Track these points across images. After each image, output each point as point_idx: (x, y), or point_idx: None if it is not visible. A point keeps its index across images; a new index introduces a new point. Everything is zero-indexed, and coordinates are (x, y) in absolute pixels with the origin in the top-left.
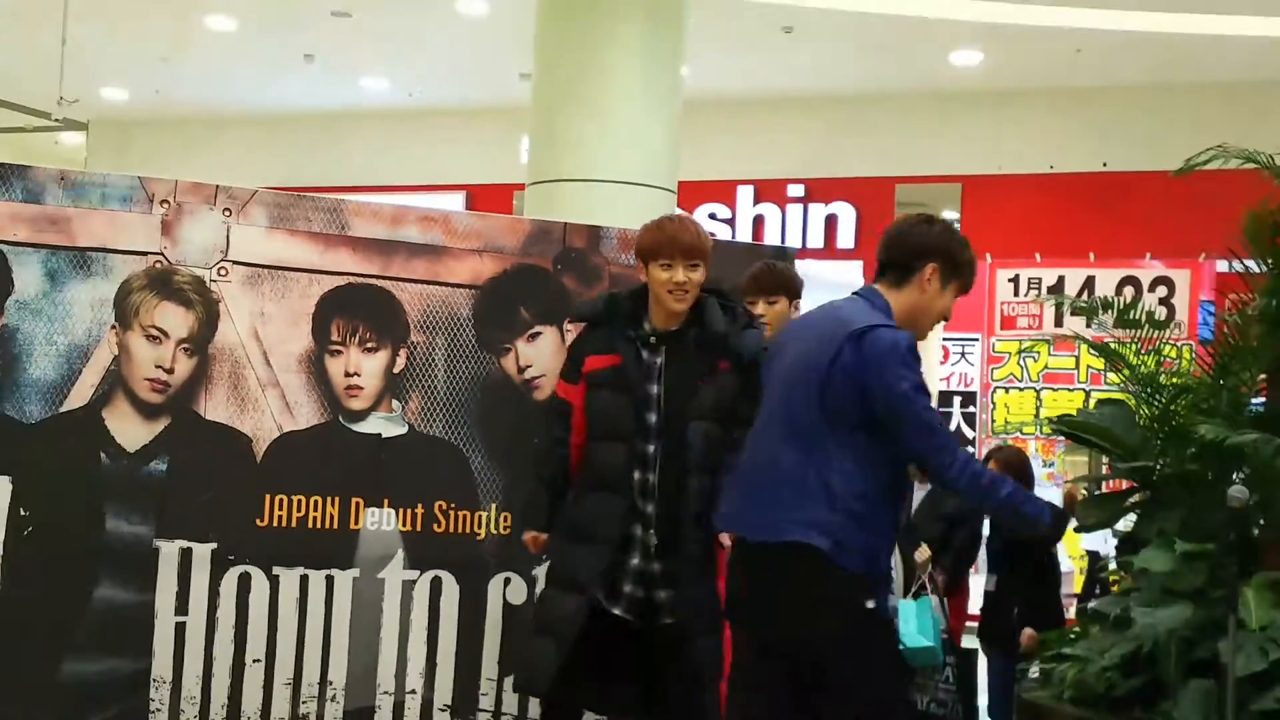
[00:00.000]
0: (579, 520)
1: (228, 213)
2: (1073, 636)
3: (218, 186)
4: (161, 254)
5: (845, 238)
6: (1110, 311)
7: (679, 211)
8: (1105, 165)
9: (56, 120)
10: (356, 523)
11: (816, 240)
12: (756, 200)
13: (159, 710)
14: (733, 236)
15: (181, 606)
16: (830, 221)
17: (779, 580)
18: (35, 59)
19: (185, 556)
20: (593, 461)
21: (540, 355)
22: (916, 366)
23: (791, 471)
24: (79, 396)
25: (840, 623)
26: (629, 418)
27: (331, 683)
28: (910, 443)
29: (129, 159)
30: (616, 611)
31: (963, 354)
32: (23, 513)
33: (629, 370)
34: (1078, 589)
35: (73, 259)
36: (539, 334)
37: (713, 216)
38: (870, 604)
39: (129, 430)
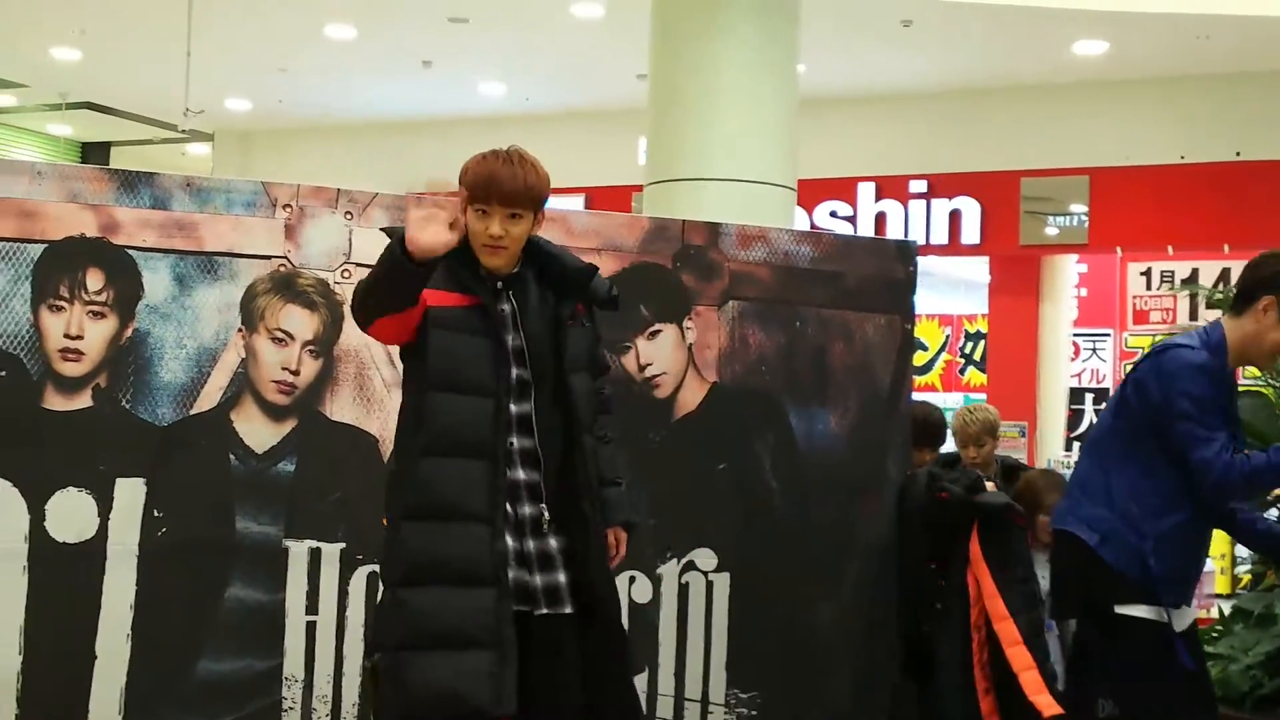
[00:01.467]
0: (438, 492)
1: (349, 216)
2: (1216, 634)
3: (339, 190)
4: (285, 257)
5: (970, 233)
6: None
7: (517, 147)
8: (1239, 154)
9: (183, 132)
10: None
11: (940, 236)
12: (878, 197)
13: (292, 708)
14: (854, 232)
15: (312, 606)
16: (954, 217)
17: (1056, 565)
18: (161, 73)
19: (314, 556)
20: (439, 419)
21: (661, 353)
22: (1207, 387)
23: (1083, 473)
24: (208, 399)
25: (1096, 617)
26: (490, 370)
27: None
28: (1181, 455)
29: (253, 167)
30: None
31: (1094, 350)
32: (156, 514)
33: (491, 311)
34: (1220, 589)
35: (200, 263)
36: (659, 331)
37: (834, 214)
38: (1133, 610)
39: (257, 432)
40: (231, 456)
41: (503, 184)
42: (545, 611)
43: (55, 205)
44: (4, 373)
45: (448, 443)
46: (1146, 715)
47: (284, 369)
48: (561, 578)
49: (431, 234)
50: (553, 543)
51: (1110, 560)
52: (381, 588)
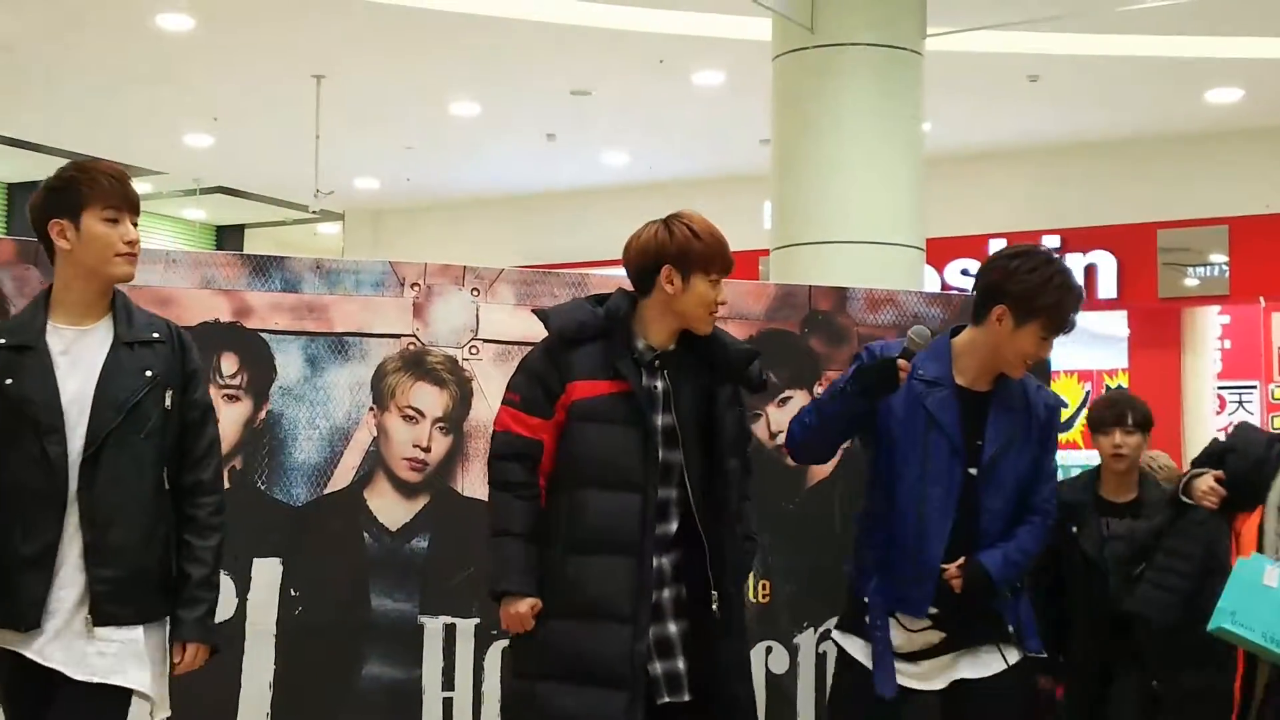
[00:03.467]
0: (581, 591)
1: (476, 293)
2: None
3: (465, 267)
4: (414, 335)
5: (1107, 288)
6: None
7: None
8: None
9: (314, 212)
10: None
11: None
12: None
13: None
14: None
15: (448, 682)
16: (1089, 271)
17: None
18: (291, 156)
19: (449, 632)
20: (585, 516)
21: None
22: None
23: None
24: (341, 478)
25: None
26: (642, 460)
27: None
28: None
29: (383, 244)
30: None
31: (1240, 402)
32: (293, 593)
33: (640, 400)
34: None
35: (330, 344)
36: (789, 398)
37: (965, 273)
38: (837, 633)
39: (390, 509)
40: (366, 534)
41: (728, 254)
42: (667, 700)
43: (189, 291)
44: None
45: (590, 538)
46: None
47: (415, 446)
48: (681, 665)
49: (513, 624)
50: (672, 628)
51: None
52: (515, 674)
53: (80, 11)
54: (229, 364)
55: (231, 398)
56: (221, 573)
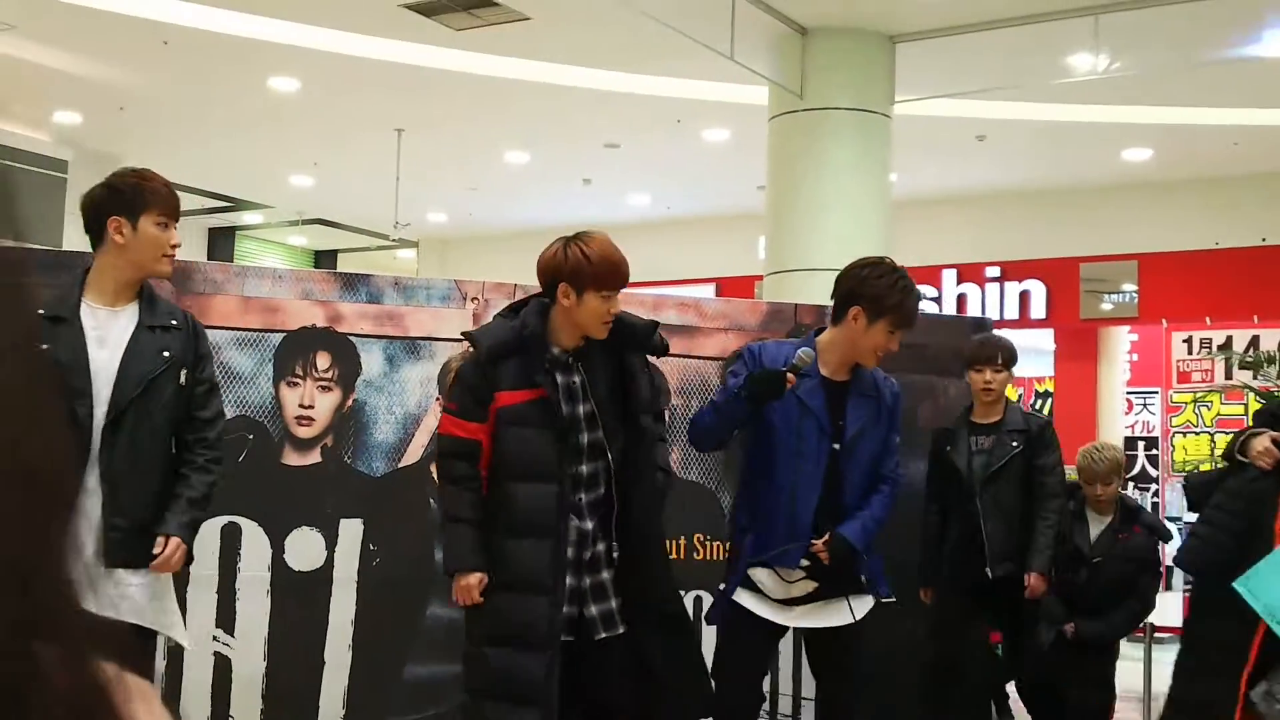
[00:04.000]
0: (510, 570)
1: None
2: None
3: (515, 285)
4: None
5: (1038, 310)
6: (1273, 365)
7: (599, 233)
8: (1264, 240)
9: (393, 240)
10: None
11: (1012, 313)
12: (959, 281)
13: None
14: (939, 311)
15: None
16: (1024, 297)
17: None
18: (376, 194)
19: None
20: (515, 505)
21: None
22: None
23: None
24: (412, 455)
25: None
26: (556, 454)
27: None
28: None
29: (449, 267)
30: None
31: (1144, 405)
32: (371, 548)
33: (553, 402)
34: None
35: (405, 346)
36: None
37: (922, 296)
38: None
39: None
40: (431, 501)
41: (625, 271)
42: (604, 635)
43: (292, 302)
44: (252, 436)
45: (516, 524)
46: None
47: None
48: (613, 604)
49: (464, 596)
50: (605, 575)
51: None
52: (466, 638)
53: (208, 71)
54: (323, 361)
55: (325, 388)
56: (314, 529)
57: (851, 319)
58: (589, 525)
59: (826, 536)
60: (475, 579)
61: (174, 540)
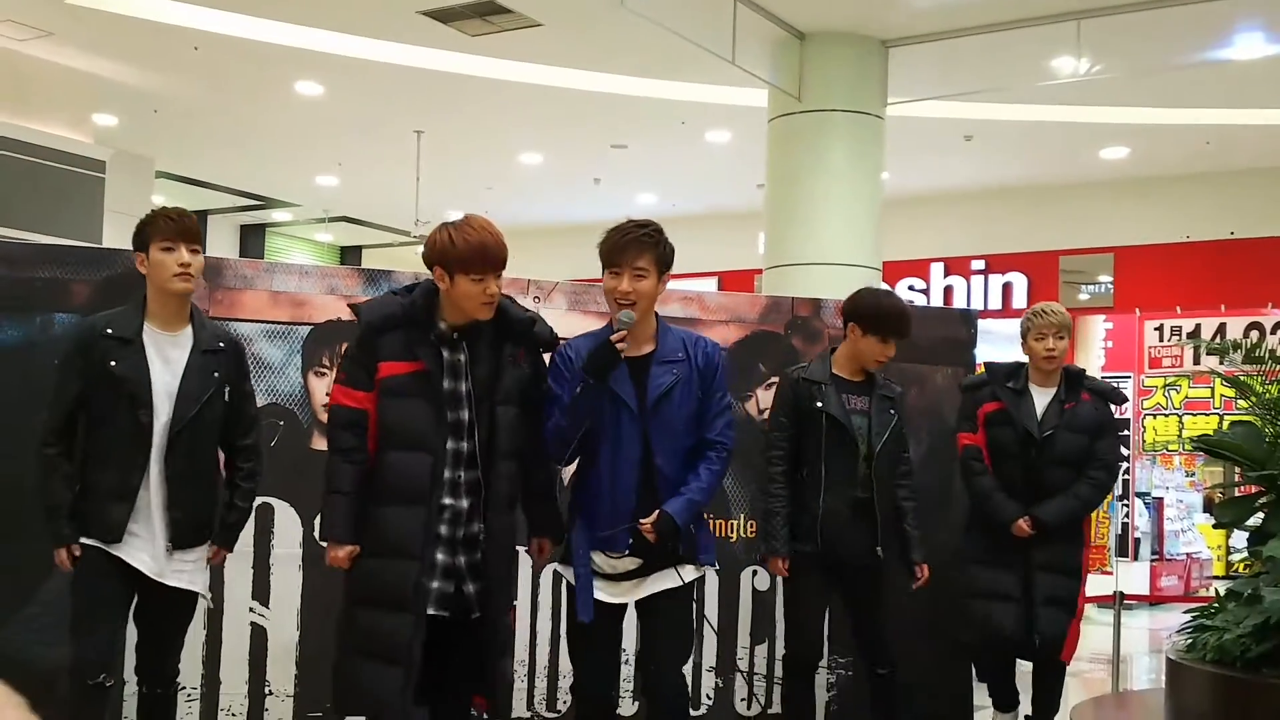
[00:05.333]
0: (382, 535)
1: (537, 299)
2: (1214, 610)
3: (529, 280)
4: None
5: (1019, 300)
6: (1239, 351)
7: (482, 216)
8: (1232, 233)
9: (414, 237)
10: None
11: (995, 303)
12: (946, 274)
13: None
14: (927, 302)
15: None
16: (1006, 288)
17: None
18: (398, 193)
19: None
20: (390, 473)
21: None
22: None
23: None
24: None
25: None
26: (433, 426)
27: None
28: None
29: None
30: (431, 612)
31: (1118, 388)
32: None
33: (434, 376)
34: (1219, 571)
35: None
36: (773, 383)
37: (911, 288)
38: (559, 565)
39: None
40: None
41: (495, 254)
42: (478, 615)
43: (318, 296)
44: (282, 423)
45: (392, 491)
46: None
47: None
48: (470, 588)
49: (335, 563)
50: (462, 560)
51: None
52: (343, 599)
53: (236, 76)
54: None
55: None
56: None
57: (852, 333)
58: (464, 504)
59: (655, 515)
60: (345, 551)
61: (223, 552)
